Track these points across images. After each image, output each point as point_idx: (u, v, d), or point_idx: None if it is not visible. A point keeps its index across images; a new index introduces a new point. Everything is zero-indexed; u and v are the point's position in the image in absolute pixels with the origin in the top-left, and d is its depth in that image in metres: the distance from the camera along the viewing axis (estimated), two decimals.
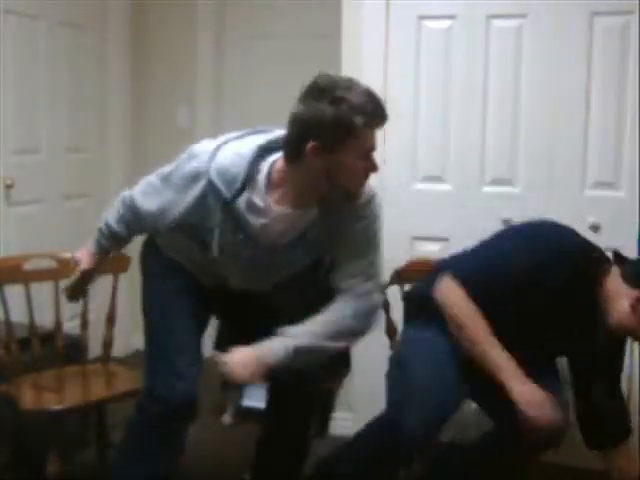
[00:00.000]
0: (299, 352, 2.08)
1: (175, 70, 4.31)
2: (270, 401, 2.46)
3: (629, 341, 2.53)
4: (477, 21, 3.11)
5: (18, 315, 2.73)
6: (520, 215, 3.11)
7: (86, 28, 4.08)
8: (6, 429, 2.79)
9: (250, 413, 3.32)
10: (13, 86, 3.60)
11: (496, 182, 3.17)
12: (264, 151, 2.07)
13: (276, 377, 2.13)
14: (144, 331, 2.36)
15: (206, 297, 2.32)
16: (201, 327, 2.37)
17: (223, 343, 2.39)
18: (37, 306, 2.72)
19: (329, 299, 2.16)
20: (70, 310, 2.98)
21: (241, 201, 2.03)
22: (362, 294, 2.15)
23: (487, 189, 3.18)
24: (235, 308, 2.38)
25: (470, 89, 3.14)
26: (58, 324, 2.79)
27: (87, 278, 2.39)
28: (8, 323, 2.65)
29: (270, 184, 2.05)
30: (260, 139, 2.08)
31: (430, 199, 3.24)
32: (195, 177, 2.05)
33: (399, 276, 3.09)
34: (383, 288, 2.30)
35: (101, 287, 2.88)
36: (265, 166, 2.05)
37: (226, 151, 2.05)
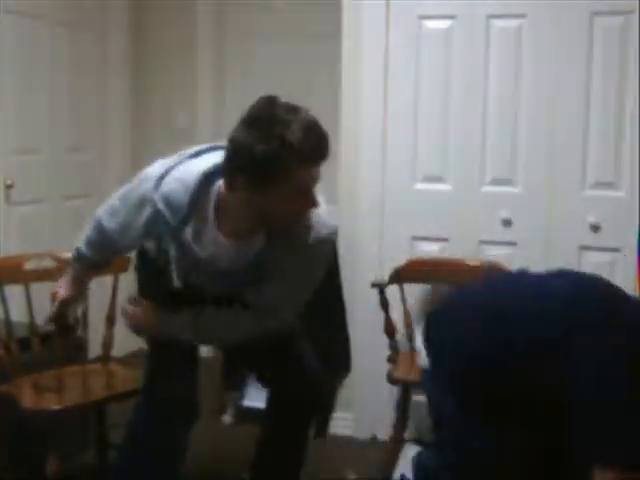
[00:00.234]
0: (197, 331, 2.13)
1: (175, 70, 4.31)
2: (270, 401, 2.46)
3: None
4: (477, 21, 3.11)
5: (18, 315, 2.73)
6: (520, 215, 3.13)
7: (86, 28, 4.08)
8: (6, 429, 2.79)
9: (250, 413, 3.32)
10: (13, 86, 3.60)
11: (496, 182, 3.17)
12: (212, 176, 1.98)
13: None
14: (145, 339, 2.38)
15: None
16: None
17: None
18: (37, 306, 2.72)
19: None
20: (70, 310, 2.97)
21: (188, 231, 2.00)
22: (258, 316, 2.12)
23: (487, 189, 3.18)
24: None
25: (470, 89, 3.15)
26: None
27: (68, 306, 2.39)
28: (8, 323, 2.65)
29: (218, 212, 1.99)
30: (211, 160, 2.00)
31: (430, 199, 3.24)
32: (143, 202, 2.02)
33: (398, 275, 3.10)
34: (284, 320, 2.23)
35: (101, 287, 2.88)
36: (213, 193, 1.99)
37: (172, 178, 1.99)
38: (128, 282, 3.16)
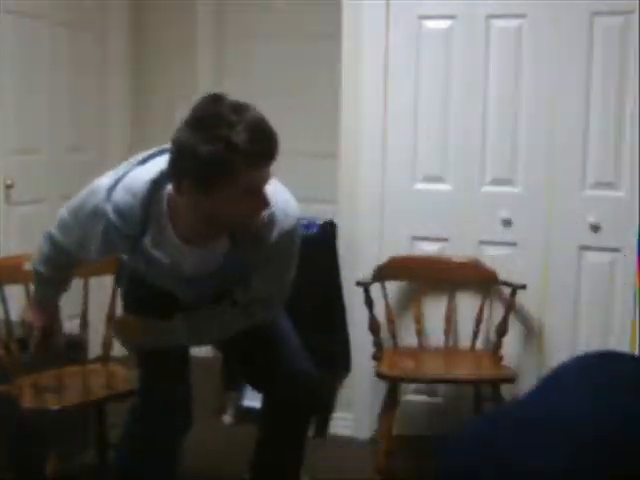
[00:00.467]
0: (191, 334, 2.13)
1: (175, 70, 4.31)
2: (264, 404, 2.43)
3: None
4: (477, 21, 3.11)
5: (18, 315, 2.72)
6: (520, 215, 3.13)
7: (86, 28, 4.08)
8: (6, 429, 2.79)
9: (250, 413, 3.31)
10: (13, 86, 3.60)
11: (496, 182, 3.17)
12: (161, 182, 1.92)
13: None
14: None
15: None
16: None
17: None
18: None
19: None
20: (70, 310, 2.97)
21: (147, 240, 1.97)
22: (247, 314, 2.14)
23: (487, 189, 3.18)
24: None
25: (470, 89, 3.15)
26: (58, 324, 2.79)
27: (50, 333, 2.37)
28: (8, 323, 2.65)
29: (172, 217, 1.94)
30: (158, 166, 1.94)
31: (430, 199, 3.24)
32: (95, 216, 1.97)
33: (380, 273, 3.13)
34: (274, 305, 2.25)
35: (101, 287, 2.88)
36: (164, 198, 1.93)
37: (121, 189, 1.94)
38: None
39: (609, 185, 3.03)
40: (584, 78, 3.00)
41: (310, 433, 3.37)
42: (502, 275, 3.10)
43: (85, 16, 4.07)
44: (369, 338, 3.11)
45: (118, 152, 4.27)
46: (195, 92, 4.26)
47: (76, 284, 2.55)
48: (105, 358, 2.89)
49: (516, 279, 3.07)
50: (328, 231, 3.39)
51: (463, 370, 3.02)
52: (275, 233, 1.99)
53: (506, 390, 2.94)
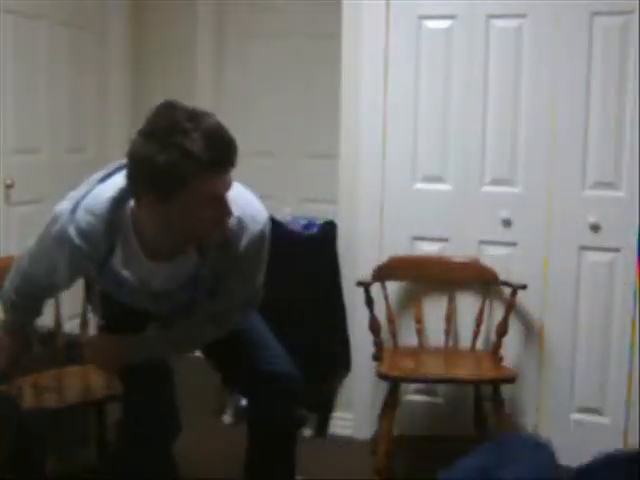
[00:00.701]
0: (151, 353, 2.13)
1: (175, 70, 4.31)
2: (249, 406, 2.42)
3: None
4: (477, 21, 3.11)
5: None
6: (520, 215, 3.13)
7: (86, 28, 4.08)
8: (6, 429, 2.79)
9: None
10: (13, 86, 3.60)
11: (496, 182, 3.17)
12: (122, 199, 1.91)
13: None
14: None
15: None
16: None
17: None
18: None
19: None
20: (70, 310, 2.98)
21: (114, 260, 1.96)
22: (223, 321, 2.14)
23: (487, 189, 3.18)
24: None
25: (470, 89, 3.15)
26: (58, 324, 2.79)
27: (16, 357, 2.35)
28: None
29: (137, 234, 1.93)
30: (118, 183, 1.93)
31: (430, 199, 3.24)
32: (60, 242, 1.95)
33: (380, 273, 3.14)
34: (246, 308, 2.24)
35: None
36: (127, 215, 1.92)
37: (82, 211, 1.93)
38: None
39: (609, 185, 3.03)
40: (584, 78, 3.00)
41: (310, 433, 3.39)
42: (502, 275, 3.11)
43: (85, 16, 4.07)
44: (369, 338, 3.11)
45: (118, 152, 4.25)
46: (195, 92, 4.29)
47: (76, 284, 2.55)
48: None
49: (516, 279, 3.07)
50: (328, 231, 3.39)
51: (463, 370, 3.01)
52: (244, 240, 1.98)
53: (506, 390, 2.94)
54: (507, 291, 3.09)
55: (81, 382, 2.75)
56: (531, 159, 3.11)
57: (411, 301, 3.25)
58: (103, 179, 2.01)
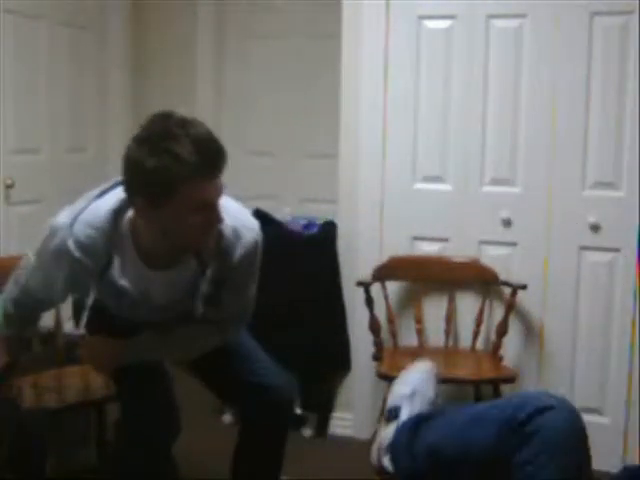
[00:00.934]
0: (149, 362, 2.14)
1: (175, 70, 4.31)
2: (241, 417, 2.42)
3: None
4: (477, 21, 3.11)
5: None
6: (520, 215, 3.13)
7: (86, 28, 4.08)
8: (6, 429, 2.79)
9: None
10: (13, 86, 3.60)
11: (496, 182, 3.17)
12: (120, 211, 1.97)
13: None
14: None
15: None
16: None
17: None
18: None
19: None
20: (70, 310, 2.97)
21: (113, 271, 1.99)
22: (220, 329, 2.18)
23: (487, 189, 3.18)
24: None
25: (470, 89, 3.15)
26: (58, 324, 2.79)
27: (9, 369, 2.34)
28: None
29: (135, 243, 1.98)
30: (116, 196, 1.98)
31: (430, 199, 3.24)
32: (59, 256, 1.97)
33: (380, 273, 3.14)
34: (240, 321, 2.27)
35: None
36: (125, 226, 1.97)
37: (82, 224, 1.96)
38: None
39: (609, 185, 3.03)
40: (584, 78, 3.00)
41: (310, 433, 3.39)
42: (502, 275, 3.11)
43: (85, 16, 4.07)
44: (369, 338, 3.11)
45: (118, 152, 4.25)
46: (195, 92, 4.29)
47: None
48: None
49: (516, 279, 3.07)
50: (328, 231, 3.39)
51: (463, 370, 3.01)
52: (240, 249, 2.02)
53: (506, 390, 2.94)
54: (507, 291, 3.09)
55: (81, 382, 2.75)
56: (531, 159, 3.11)
57: (411, 301, 3.25)
58: (101, 195, 2.04)
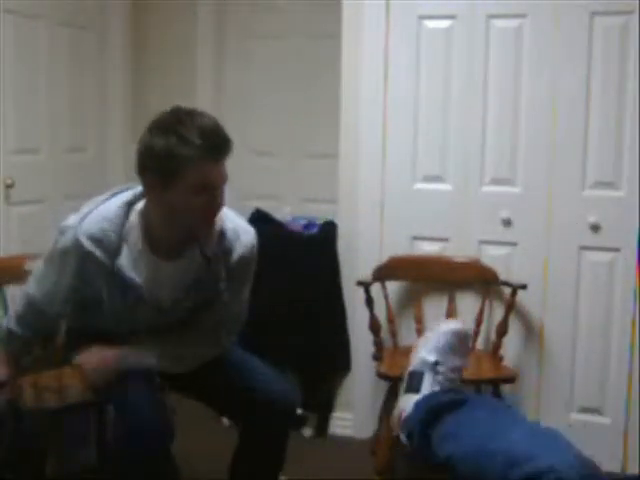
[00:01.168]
0: (148, 370, 2.14)
1: (175, 70, 4.31)
2: (243, 427, 2.41)
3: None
4: (477, 21, 3.11)
5: None
6: (520, 215, 3.13)
7: (86, 28, 4.08)
8: (6, 429, 2.78)
9: None
10: (13, 86, 3.60)
11: (496, 182, 3.17)
12: (133, 203, 2.08)
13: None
14: None
15: None
16: None
17: None
18: None
19: None
20: None
21: (122, 262, 2.04)
22: (216, 342, 2.22)
23: (487, 189, 3.18)
24: None
25: (470, 89, 3.15)
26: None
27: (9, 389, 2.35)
28: None
29: (144, 231, 2.06)
30: (125, 196, 2.09)
31: (430, 199, 3.24)
32: (67, 252, 2.04)
33: (380, 273, 3.14)
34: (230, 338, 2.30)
35: None
36: (134, 216, 2.07)
37: (93, 219, 2.04)
38: None
39: (609, 185, 3.03)
40: (584, 78, 3.00)
41: (310, 433, 3.40)
42: (502, 275, 3.11)
43: (85, 16, 4.06)
44: (369, 338, 3.11)
45: (118, 152, 4.28)
46: (195, 92, 4.28)
47: None
48: None
49: (516, 279, 3.07)
50: (328, 231, 3.39)
51: (463, 370, 3.01)
52: (239, 249, 2.12)
53: (506, 390, 2.94)
54: (507, 291, 3.09)
55: (81, 382, 2.74)
56: (531, 159, 3.11)
57: (411, 301, 3.25)
58: (111, 197, 2.11)
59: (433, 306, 3.22)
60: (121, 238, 2.03)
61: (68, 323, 2.30)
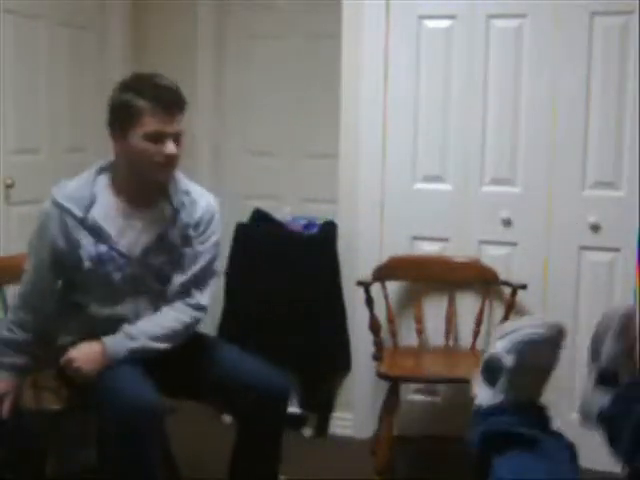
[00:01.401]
0: (134, 352, 2.22)
1: (175, 70, 4.29)
2: (238, 420, 2.43)
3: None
4: (477, 21, 3.11)
5: None
6: (520, 215, 3.13)
7: (86, 28, 4.08)
8: (6, 429, 2.78)
9: None
10: (13, 86, 3.60)
11: (496, 182, 3.17)
12: (103, 169, 2.31)
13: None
14: None
15: None
16: None
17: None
18: None
19: None
20: None
21: (95, 213, 2.23)
22: (193, 305, 2.31)
23: (487, 189, 3.18)
24: None
25: (470, 89, 3.15)
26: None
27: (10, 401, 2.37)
28: None
29: (114, 183, 2.29)
30: (97, 164, 2.33)
31: (430, 199, 3.24)
32: (45, 225, 2.25)
33: (380, 273, 3.14)
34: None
35: None
36: (106, 174, 2.30)
37: (67, 184, 2.28)
38: None
39: (609, 185, 3.03)
40: (584, 78, 3.00)
41: (310, 433, 3.40)
42: (502, 275, 3.11)
43: (85, 16, 4.06)
44: (369, 338, 3.11)
45: None
46: (195, 92, 4.28)
47: None
48: None
49: (516, 279, 3.07)
50: (328, 231, 3.39)
51: (463, 370, 3.01)
52: (203, 201, 2.33)
53: None
54: (507, 291, 3.09)
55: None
56: (531, 159, 3.11)
57: (411, 301, 3.25)
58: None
59: (433, 306, 3.22)
60: (92, 193, 2.24)
61: (59, 308, 2.37)
